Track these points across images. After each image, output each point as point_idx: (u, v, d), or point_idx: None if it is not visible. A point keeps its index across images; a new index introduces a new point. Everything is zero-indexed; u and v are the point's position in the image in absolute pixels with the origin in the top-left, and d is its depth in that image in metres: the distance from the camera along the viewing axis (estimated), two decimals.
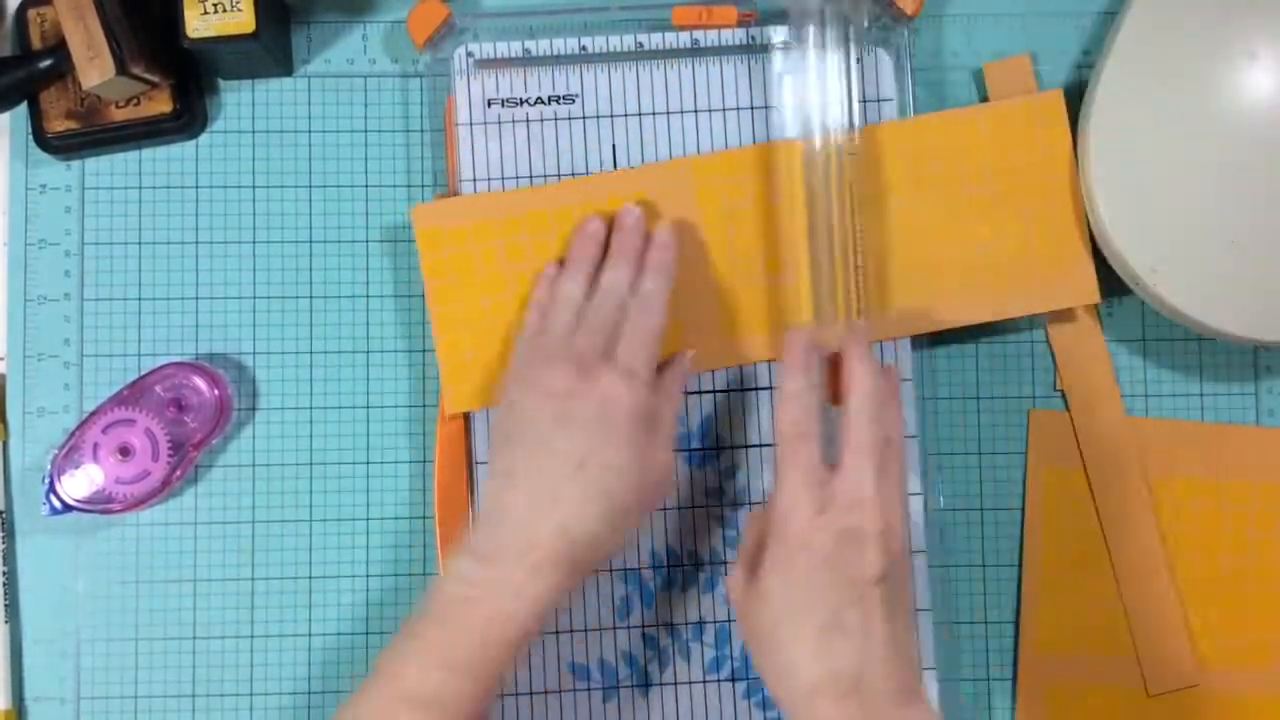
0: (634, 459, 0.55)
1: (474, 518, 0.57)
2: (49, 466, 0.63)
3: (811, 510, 0.53)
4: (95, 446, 0.62)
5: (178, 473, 0.63)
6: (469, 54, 0.65)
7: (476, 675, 0.53)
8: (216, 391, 0.63)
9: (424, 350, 0.66)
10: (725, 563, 0.63)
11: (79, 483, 0.62)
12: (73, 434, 0.63)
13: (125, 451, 0.63)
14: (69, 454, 0.62)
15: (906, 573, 0.55)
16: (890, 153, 0.63)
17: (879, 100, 0.64)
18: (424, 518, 0.65)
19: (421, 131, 0.67)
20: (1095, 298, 0.63)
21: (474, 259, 0.62)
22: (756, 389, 0.64)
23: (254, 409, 0.65)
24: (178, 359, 0.65)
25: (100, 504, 0.62)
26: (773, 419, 0.58)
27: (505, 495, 0.55)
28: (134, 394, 0.63)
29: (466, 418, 0.64)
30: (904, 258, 0.63)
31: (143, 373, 0.64)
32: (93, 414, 0.63)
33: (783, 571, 0.53)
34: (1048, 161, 0.64)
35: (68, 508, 0.62)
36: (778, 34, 0.64)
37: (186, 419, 0.63)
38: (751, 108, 0.65)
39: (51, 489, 0.62)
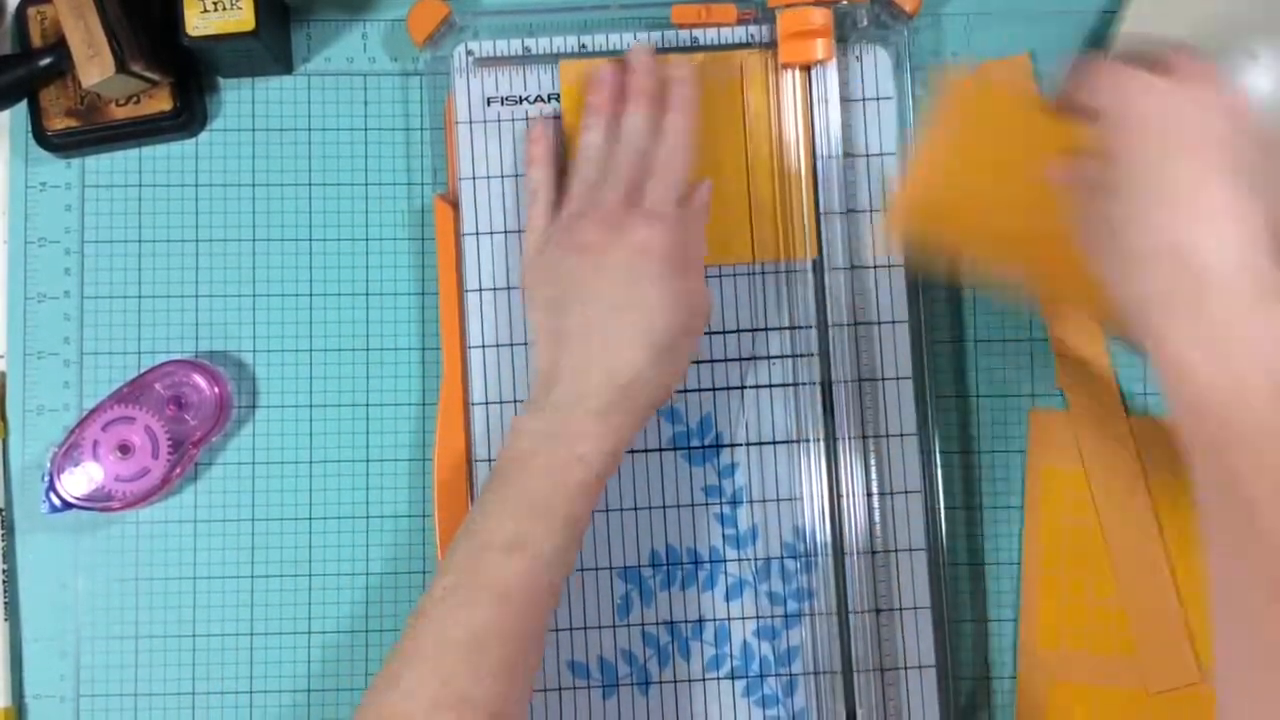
0: (670, 296, 0.56)
1: (532, 375, 0.59)
2: (48, 464, 0.63)
3: (1163, 86, 0.47)
4: (95, 444, 0.62)
5: (177, 470, 0.63)
6: (469, 52, 0.65)
7: (555, 517, 0.54)
8: (216, 389, 0.63)
9: (424, 348, 0.66)
10: (725, 561, 0.63)
11: (78, 480, 0.62)
12: (72, 431, 0.63)
13: (125, 449, 0.63)
14: (68, 451, 0.63)
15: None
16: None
17: (878, 99, 0.64)
18: (424, 515, 0.65)
19: (421, 130, 0.67)
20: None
21: None
22: (756, 387, 0.64)
23: (254, 407, 0.65)
24: (178, 357, 0.65)
25: (100, 501, 0.62)
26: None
27: (556, 353, 0.57)
28: (134, 391, 0.63)
29: (466, 417, 0.64)
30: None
31: (142, 370, 0.64)
32: (92, 411, 0.63)
33: (1141, 158, 0.47)
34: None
35: (67, 505, 0.62)
36: (778, 33, 0.64)
37: (186, 417, 0.63)
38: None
39: (51, 487, 0.62)
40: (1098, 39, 0.67)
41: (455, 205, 0.64)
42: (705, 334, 0.64)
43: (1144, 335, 0.47)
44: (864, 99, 0.65)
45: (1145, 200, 0.46)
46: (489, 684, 0.52)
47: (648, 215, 0.57)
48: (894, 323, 0.64)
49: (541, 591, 0.54)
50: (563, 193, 0.61)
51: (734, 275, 0.64)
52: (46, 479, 0.63)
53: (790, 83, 0.64)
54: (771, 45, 0.64)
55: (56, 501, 0.62)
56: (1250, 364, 0.44)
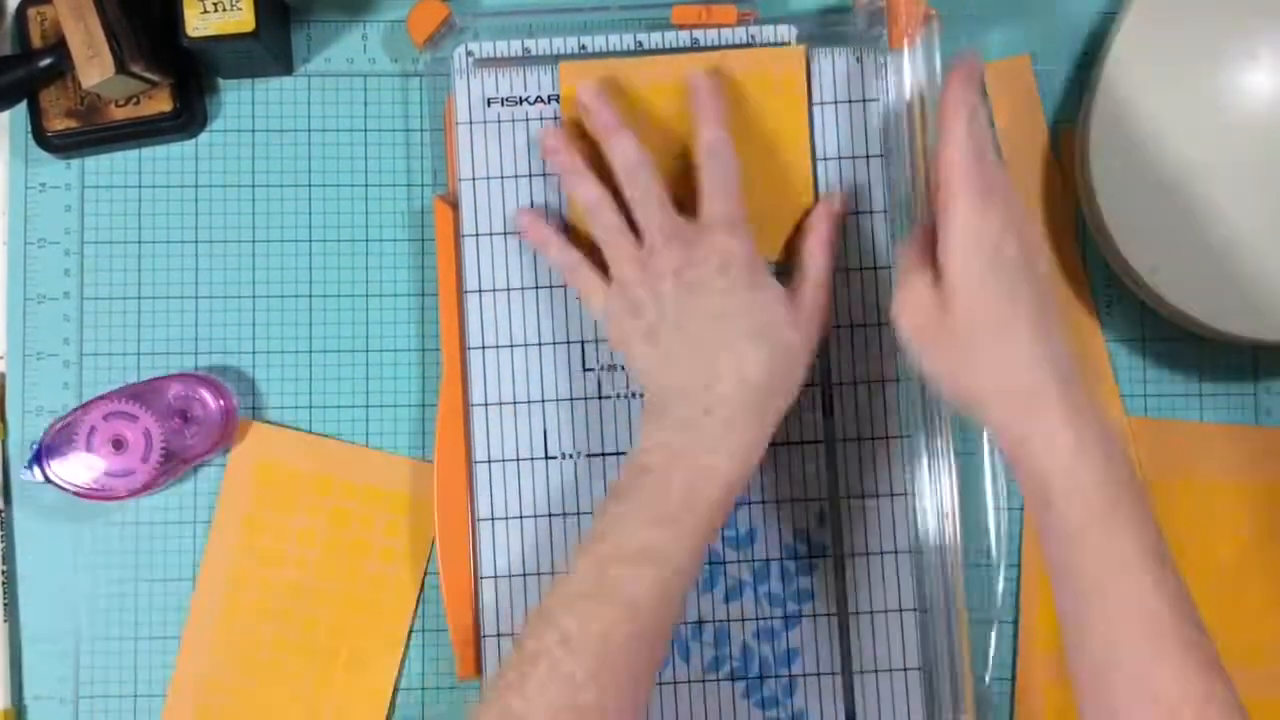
0: (773, 296, 0.57)
1: (646, 397, 0.58)
2: (42, 434, 0.63)
3: (1000, 225, 0.53)
4: (91, 430, 0.62)
5: (161, 480, 0.63)
6: (469, 53, 0.65)
7: (683, 529, 0.54)
8: (222, 402, 0.63)
9: (424, 349, 0.66)
10: (724, 562, 0.63)
11: (65, 460, 0.62)
12: (74, 411, 0.63)
13: (119, 444, 0.63)
14: (64, 429, 0.62)
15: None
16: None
17: (879, 100, 0.64)
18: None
19: (421, 131, 0.67)
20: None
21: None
22: None
23: (253, 408, 0.65)
24: (193, 370, 0.65)
25: (76, 485, 0.62)
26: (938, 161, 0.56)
27: (665, 378, 0.57)
28: (146, 391, 0.63)
29: (466, 418, 0.63)
30: None
31: (160, 374, 0.65)
32: (100, 398, 0.63)
33: (980, 278, 0.53)
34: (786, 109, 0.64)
35: (47, 480, 0.62)
36: (777, 32, 0.64)
37: (187, 433, 0.63)
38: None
39: (37, 457, 0.62)
40: (1098, 39, 0.67)
41: (455, 206, 0.64)
42: None
43: (985, 423, 0.55)
44: (864, 100, 0.65)
45: (978, 353, 0.53)
46: (614, 694, 0.52)
47: (721, 225, 0.57)
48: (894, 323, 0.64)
49: (670, 602, 0.54)
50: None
51: None
52: (35, 447, 0.63)
53: (787, 83, 0.64)
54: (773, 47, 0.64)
55: (37, 474, 0.62)
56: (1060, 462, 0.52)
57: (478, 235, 0.64)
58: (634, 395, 0.64)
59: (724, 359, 0.56)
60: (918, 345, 0.56)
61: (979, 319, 0.53)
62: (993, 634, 0.65)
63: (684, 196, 0.60)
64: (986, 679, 0.65)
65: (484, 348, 0.64)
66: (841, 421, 0.63)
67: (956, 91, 0.55)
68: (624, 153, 0.60)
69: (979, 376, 0.54)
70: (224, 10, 0.61)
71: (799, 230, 0.63)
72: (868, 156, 0.64)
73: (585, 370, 0.64)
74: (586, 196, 0.60)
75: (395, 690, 0.64)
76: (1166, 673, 0.50)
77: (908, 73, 0.62)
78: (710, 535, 0.55)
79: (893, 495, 0.63)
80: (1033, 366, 0.52)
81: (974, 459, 0.66)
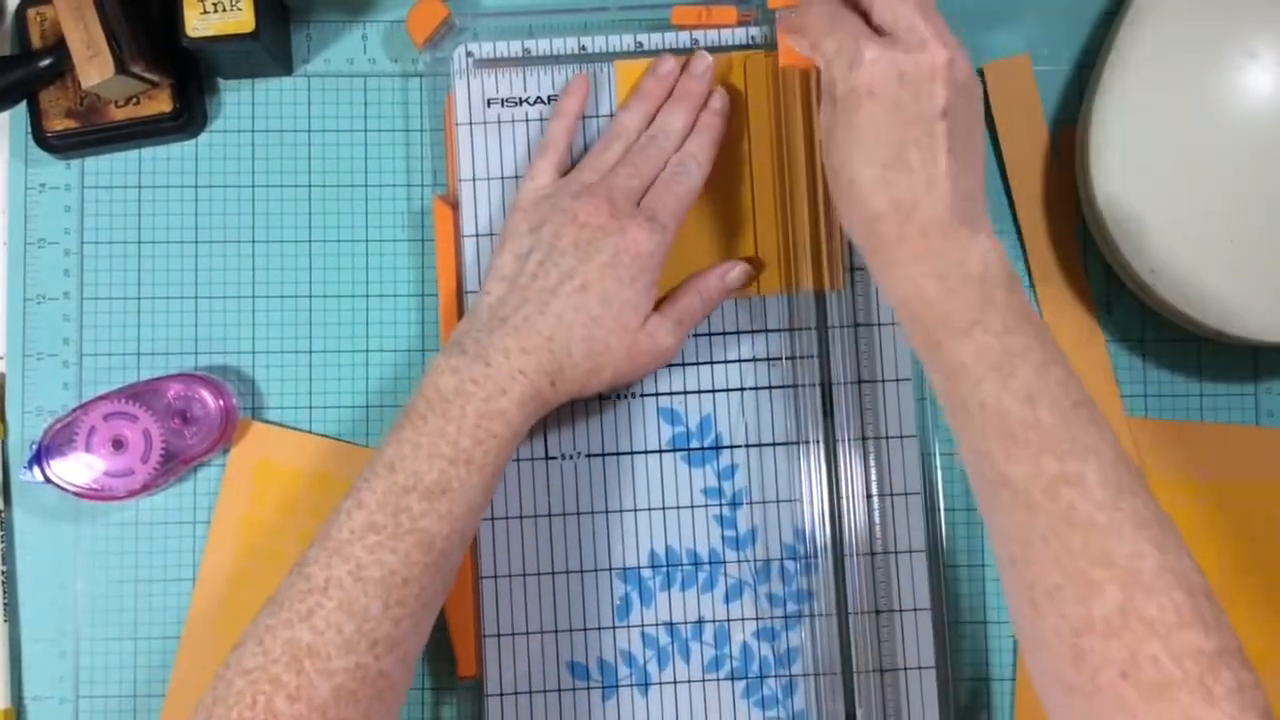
0: (632, 298, 0.58)
1: (468, 311, 0.59)
2: (41, 434, 0.63)
3: (872, 55, 0.53)
4: (91, 430, 0.62)
5: (160, 480, 0.63)
6: (468, 53, 0.65)
7: (478, 466, 0.54)
8: (222, 402, 0.63)
9: (424, 350, 0.66)
10: (724, 562, 0.63)
11: (65, 460, 0.62)
12: (73, 411, 0.63)
13: (118, 444, 0.63)
14: (64, 429, 0.62)
15: (977, 100, 0.55)
16: None
17: None
18: None
19: (421, 131, 0.67)
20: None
21: None
22: (756, 389, 0.64)
23: (253, 408, 0.65)
24: (193, 370, 0.65)
25: (75, 485, 0.62)
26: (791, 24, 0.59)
27: (508, 300, 0.58)
28: (146, 392, 0.63)
29: None
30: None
31: (159, 374, 0.65)
32: (100, 398, 0.63)
33: (847, 117, 0.53)
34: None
35: (47, 480, 0.62)
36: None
37: (187, 433, 0.63)
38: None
39: (37, 457, 0.62)
40: (1098, 39, 0.67)
41: (455, 206, 0.64)
42: (705, 335, 0.64)
43: (870, 258, 0.55)
44: None
45: (873, 163, 0.53)
46: (405, 626, 0.52)
47: (651, 219, 0.58)
48: (893, 324, 0.64)
49: (459, 540, 0.54)
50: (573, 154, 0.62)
51: None
52: (35, 447, 0.63)
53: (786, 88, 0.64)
54: (773, 48, 0.64)
55: (37, 474, 0.62)
56: (959, 276, 0.52)
57: (478, 235, 0.64)
58: (634, 395, 0.64)
59: (550, 317, 0.56)
60: (824, 144, 0.56)
61: (870, 150, 0.53)
62: (992, 634, 0.65)
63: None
64: (986, 679, 0.65)
65: None
66: (842, 421, 0.63)
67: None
68: (670, 122, 0.62)
69: (865, 202, 0.54)
70: (224, 10, 0.61)
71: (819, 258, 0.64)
72: None
73: None
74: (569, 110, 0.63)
75: None
76: (1018, 465, 0.50)
77: None
78: (497, 477, 0.56)
79: (893, 495, 0.63)
80: (875, 214, 0.53)
81: None
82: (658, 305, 0.60)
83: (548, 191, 0.61)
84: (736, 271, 0.63)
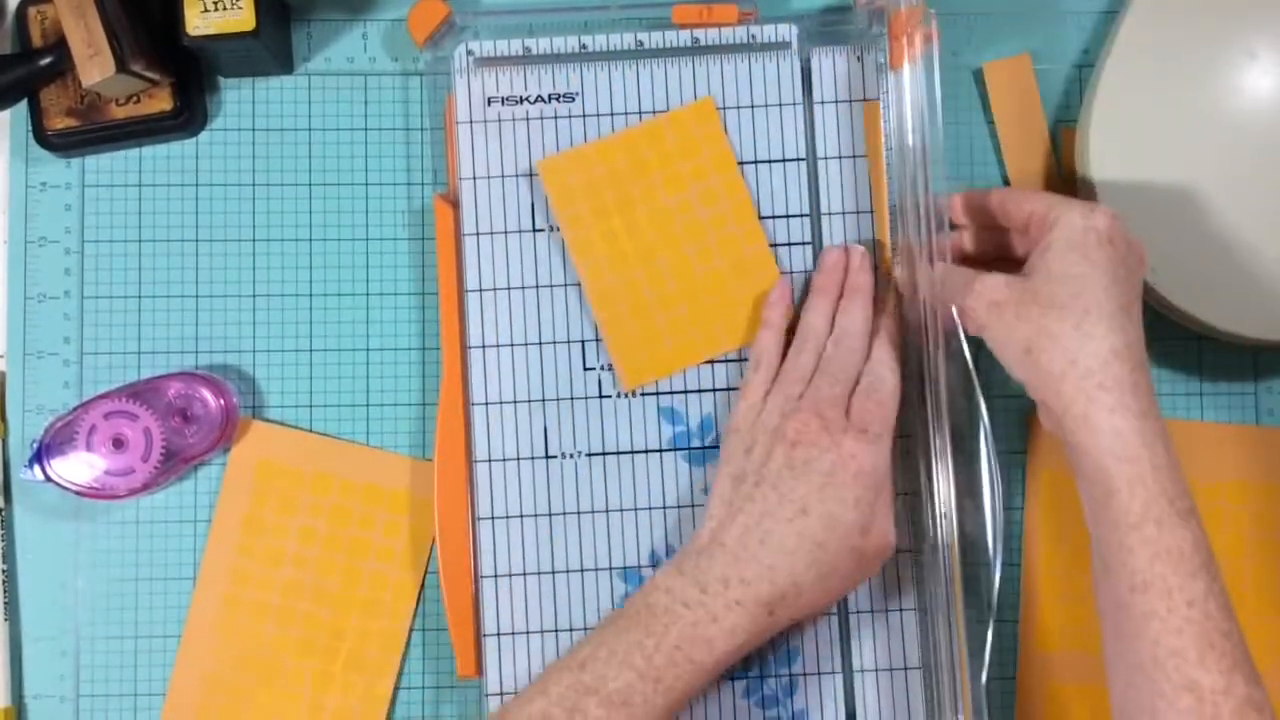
0: (857, 519, 0.56)
1: (693, 534, 0.59)
2: (42, 433, 0.63)
3: (1107, 223, 0.55)
4: (92, 429, 0.62)
5: (161, 479, 0.63)
6: (469, 52, 0.65)
7: (666, 688, 0.54)
8: (222, 401, 0.63)
9: (424, 348, 0.66)
10: None
11: (65, 458, 0.62)
12: (74, 410, 0.63)
13: (119, 443, 0.63)
14: (65, 428, 0.62)
15: None
16: (577, 182, 0.64)
17: (878, 99, 0.64)
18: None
19: (421, 130, 0.67)
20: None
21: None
22: None
23: (254, 407, 0.65)
24: (193, 369, 0.65)
25: (77, 484, 0.62)
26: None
27: (724, 525, 0.57)
28: (146, 390, 0.63)
29: (466, 417, 0.63)
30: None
31: (160, 373, 0.65)
32: (101, 397, 0.63)
33: (1073, 259, 0.55)
34: (715, 164, 0.64)
35: (47, 479, 0.62)
36: (778, 32, 0.64)
37: (187, 431, 0.63)
38: (752, 106, 0.65)
39: (38, 456, 0.62)
40: (1098, 39, 0.67)
41: (456, 205, 0.64)
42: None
43: (1053, 413, 0.56)
44: (865, 100, 0.65)
45: (1061, 326, 0.54)
46: None
47: (862, 431, 0.57)
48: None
49: None
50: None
51: None
52: (35, 446, 0.63)
53: (709, 140, 0.64)
54: (773, 47, 0.64)
55: (38, 473, 0.62)
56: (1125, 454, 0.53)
57: (478, 234, 0.64)
58: (634, 394, 0.64)
59: (772, 548, 0.55)
60: (993, 321, 0.56)
61: (1065, 297, 0.54)
62: (992, 634, 0.65)
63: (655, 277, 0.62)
64: (986, 679, 0.65)
65: (484, 347, 0.64)
66: None
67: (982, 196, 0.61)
68: (853, 323, 0.61)
69: (1054, 354, 0.54)
70: (224, 9, 0.61)
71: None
72: (869, 156, 0.64)
73: (585, 369, 0.64)
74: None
75: (395, 690, 0.64)
76: (1211, 674, 0.51)
77: (908, 90, 0.62)
78: (683, 703, 0.55)
79: (893, 495, 0.63)
80: (1110, 351, 0.53)
81: (973, 459, 0.66)
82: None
83: (760, 406, 0.60)
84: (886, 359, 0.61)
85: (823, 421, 0.57)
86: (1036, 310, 0.55)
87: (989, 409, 0.66)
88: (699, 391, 0.64)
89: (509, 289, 0.64)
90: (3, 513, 0.65)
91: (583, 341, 0.64)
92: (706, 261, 0.64)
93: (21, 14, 0.64)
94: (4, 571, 0.64)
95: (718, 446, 0.64)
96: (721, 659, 0.55)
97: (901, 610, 0.63)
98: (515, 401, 0.63)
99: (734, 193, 0.64)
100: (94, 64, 0.60)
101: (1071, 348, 0.54)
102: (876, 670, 0.62)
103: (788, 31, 0.65)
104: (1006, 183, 0.67)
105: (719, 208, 0.64)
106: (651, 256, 0.63)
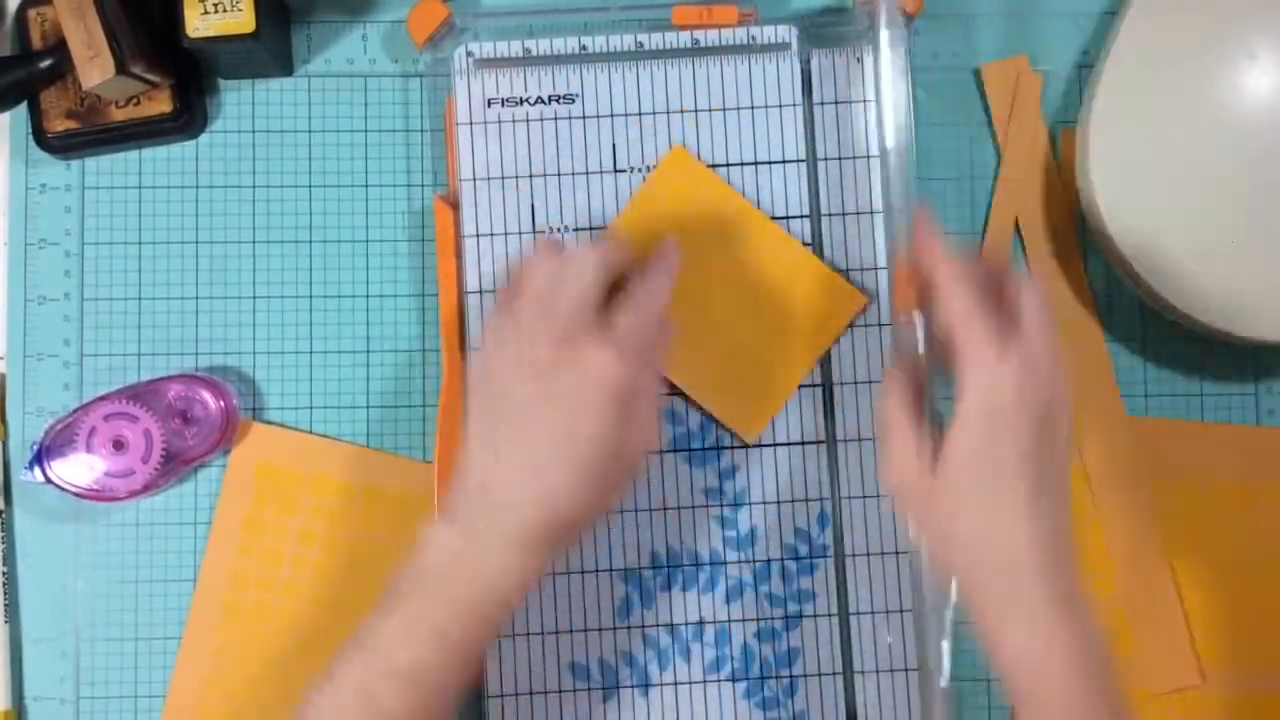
0: (619, 435, 0.53)
1: (455, 483, 0.55)
2: (42, 434, 0.63)
3: (1014, 383, 0.51)
4: (92, 431, 0.62)
5: (161, 481, 0.63)
6: (469, 53, 0.65)
7: (457, 649, 0.52)
8: (222, 402, 0.63)
9: (424, 350, 0.66)
10: (725, 563, 0.63)
11: (65, 460, 0.62)
12: (74, 412, 0.63)
13: (119, 445, 0.63)
14: (64, 429, 0.62)
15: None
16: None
17: (878, 100, 0.64)
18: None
19: (421, 131, 0.67)
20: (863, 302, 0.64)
21: None
22: None
23: (254, 408, 0.65)
24: (193, 370, 0.65)
25: (77, 486, 0.62)
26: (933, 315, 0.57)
27: (488, 468, 0.54)
28: (146, 392, 0.63)
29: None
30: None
31: (160, 375, 0.65)
32: (101, 398, 0.63)
33: (982, 442, 0.51)
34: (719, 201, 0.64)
35: (47, 480, 0.62)
36: (778, 33, 0.64)
37: (187, 433, 0.63)
38: (752, 107, 0.65)
39: (38, 458, 0.62)
40: (1098, 39, 0.67)
41: (455, 206, 0.64)
42: None
43: (965, 596, 0.53)
44: (864, 100, 0.65)
45: (971, 520, 0.51)
46: None
47: (603, 340, 0.53)
48: (893, 325, 0.64)
49: (431, 715, 0.52)
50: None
51: None
52: (35, 448, 0.63)
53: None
54: (773, 48, 0.64)
55: (38, 474, 0.62)
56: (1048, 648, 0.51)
57: (478, 235, 0.64)
58: None
59: (545, 481, 0.52)
60: (904, 504, 0.54)
61: (971, 485, 0.51)
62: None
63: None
64: (986, 679, 0.65)
65: None
66: (842, 421, 0.63)
67: (927, 252, 0.55)
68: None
69: (964, 548, 0.52)
70: (224, 11, 0.61)
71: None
72: (867, 156, 0.65)
73: None
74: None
75: None
76: None
77: (887, 91, 0.62)
78: (478, 654, 0.54)
79: (894, 495, 0.63)
80: (1022, 546, 0.50)
81: None
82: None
83: (501, 339, 0.56)
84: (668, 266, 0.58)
85: (563, 339, 0.53)
86: (947, 501, 0.52)
87: None
88: None
89: None
90: (3, 515, 0.65)
91: None
92: (756, 290, 0.63)
93: (21, 16, 0.64)
94: (4, 573, 0.64)
95: (718, 447, 0.64)
96: (509, 599, 0.53)
97: (901, 610, 0.63)
98: None
99: (747, 216, 0.64)
100: (94, 66, 0.60)
101: (980, 545, 0.51)
102: (877, 671, 0.63)
103: (787, 33, 0.65)
104: (1007, 184, 0.67)
105: (741, 237, 0.64)
106: (707, 312, 0.63)
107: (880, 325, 0.64)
